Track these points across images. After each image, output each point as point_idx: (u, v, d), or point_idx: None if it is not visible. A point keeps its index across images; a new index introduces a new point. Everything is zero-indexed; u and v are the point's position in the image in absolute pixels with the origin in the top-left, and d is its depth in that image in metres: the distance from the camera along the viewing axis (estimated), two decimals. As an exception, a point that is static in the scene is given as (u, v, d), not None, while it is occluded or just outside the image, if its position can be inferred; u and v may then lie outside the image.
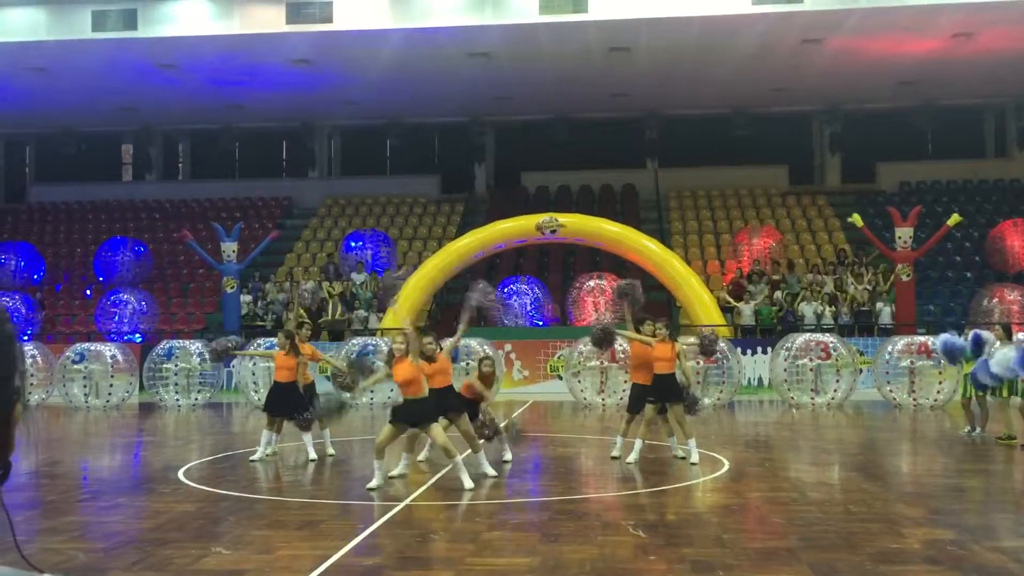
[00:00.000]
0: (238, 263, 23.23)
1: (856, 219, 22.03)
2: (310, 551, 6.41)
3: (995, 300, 21.51)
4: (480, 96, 27.30)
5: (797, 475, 9.99)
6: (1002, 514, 7.98)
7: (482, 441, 10.02)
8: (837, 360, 17.85)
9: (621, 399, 17.99)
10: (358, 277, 24.50)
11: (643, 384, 10.69)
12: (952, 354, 13.49)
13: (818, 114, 30.08)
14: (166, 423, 16.36)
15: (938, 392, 17.40)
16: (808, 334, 18.92)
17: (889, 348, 17.90)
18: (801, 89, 26.75)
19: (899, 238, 21.68)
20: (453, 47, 22.29)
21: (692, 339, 11.79)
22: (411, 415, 9.03)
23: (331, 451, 11.40)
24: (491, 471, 9.48)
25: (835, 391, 17.81)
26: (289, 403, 11.07)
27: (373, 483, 8.88)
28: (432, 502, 8.46)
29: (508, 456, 10.52)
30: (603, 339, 11.29)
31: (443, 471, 9.77)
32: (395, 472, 9.60)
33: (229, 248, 23.10)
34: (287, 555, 6.31)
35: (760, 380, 20.30)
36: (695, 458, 10.35)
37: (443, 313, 24.65)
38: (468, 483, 8.78)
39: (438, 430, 9.05)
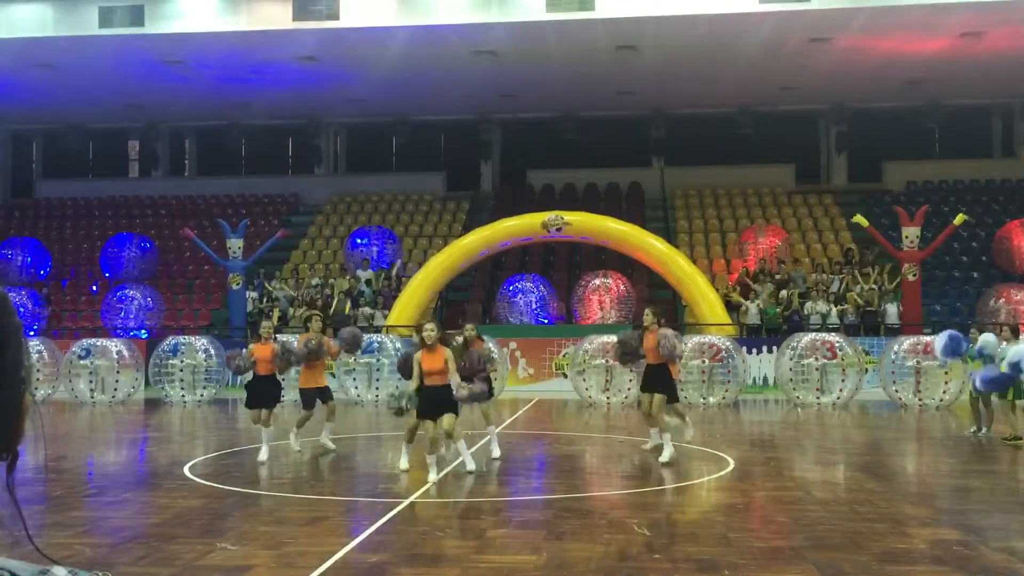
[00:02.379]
0: (244, 259, 23.25)
1: (860, 220, 22.00)
2: (316, 547, 6.41)
3: (1002, 300, 21.44)
4: (486, 94, 27.29)
5: (802, 474, 9.97)
6: (1008, 514, 7.96)
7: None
8: (843, 360, 17.82)
9: (626, 398, 17.99)
10: (363, 274, 24.52)
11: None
12: (954, 348, 13.30)
13: (825, 113, 30.02)
14: (172, 419, 16.38)
15: (944, 392, 17.36)
16: (814, 333, 18.88)
17: (895, 348, 17.86)
18: (808, 88, 26.70)
19: (906, 238, 21.62)
20: (459, 45, 22.27)
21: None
22: (433, 404, 9.17)
23: (332, 446, 11.39)
24: (435, 476, 9.10)
25: (840, 391, 17.78)
26: (269, 395, 11.10)
27: (402, 464, 9.50)
28: (438, 499, 8.47)
29: (496, 453, 10.52)
30: (628, 357, 11.01)
31: (447, 468, 9.77)
32: (403, 466, 9.72)
33: (235, 244, 23.12)
34: (293, 551, 6.31)
35: (765, 379, 20.27)
36: (666, 456, 10.16)
37: (448, 310, 24.66)
38: (471, 464, 9.14)
39: (450, 418, 9.25)
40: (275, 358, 11.05)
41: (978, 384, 12.15)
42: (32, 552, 1.26)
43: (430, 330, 9.19)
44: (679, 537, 6.73)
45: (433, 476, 9.05)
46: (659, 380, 10.53)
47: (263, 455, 10.64)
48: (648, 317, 10.52)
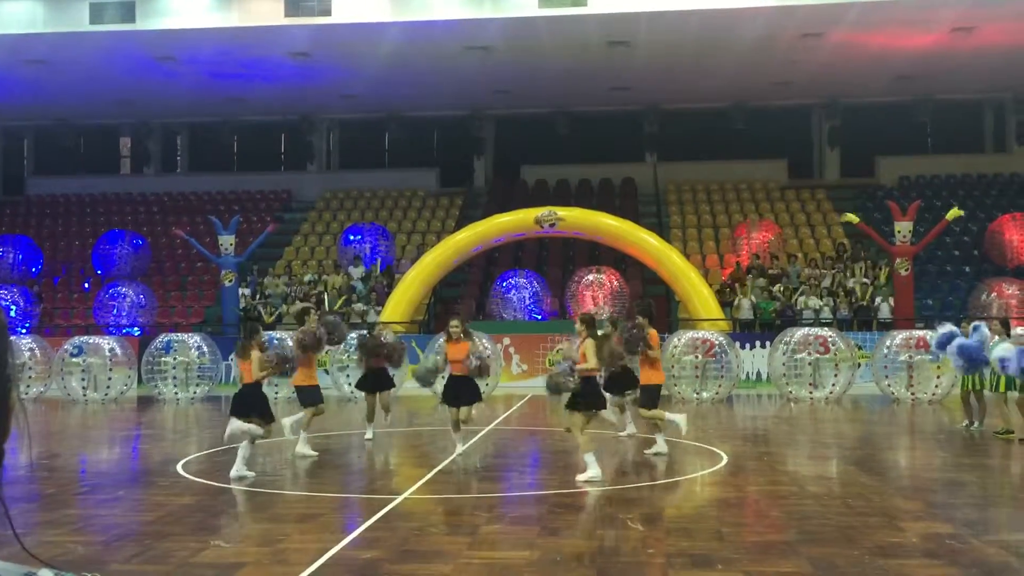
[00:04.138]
0: (236, 256, 23.19)
1: (851, 217, 22.04)
2: (309, 544, 6.40)
3: (993, 294, 21.52)
4: (479, 89, 27.26)
5: (795, 469, 9.99)
6: (1000, 508, 7.99)
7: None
8: (836, 354, 17.84)
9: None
10: (356, 271, 24.48)
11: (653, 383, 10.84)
12: (946, 344, 13.35)
13: (817, 108, 30.05)
14: (165, 416, 16.35)
15: (936, 386, 17.40)
16: (807, 328, 18.92)
17: (887, 342, 17.90)
18: (800, 83, 26.72)
19: (898, 232, 21.66)
20: (452, 40, 22.24)
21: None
22: (457, 392, 10.36)
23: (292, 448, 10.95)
24: (369, 435, 11.74)
25: (833, 385, 17.80)
26: (254, 405, 9.68)
27: (459, 448, 10.44)
28: (431, 495, 8.47)
29: (460, 449, 10.56)
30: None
31: (442, 464, 9.77)
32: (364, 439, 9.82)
33: (227, 241, 23.07)
34: (286, 548, 6.31)
35: (759, 374, 20.31)
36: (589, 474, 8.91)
37: (441, 307, 24.65)
38: (460, 448, 10.40)
39: (467, 408, 10.39)
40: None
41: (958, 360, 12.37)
42: (19, 553, 1.25)
43: (455, 326, 10.42)
44: (672, 532, 6.74)
45: (460, 448, 10.53)
46: (584, 391, 9.01)
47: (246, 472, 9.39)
48: (577, 326, 9.18)
